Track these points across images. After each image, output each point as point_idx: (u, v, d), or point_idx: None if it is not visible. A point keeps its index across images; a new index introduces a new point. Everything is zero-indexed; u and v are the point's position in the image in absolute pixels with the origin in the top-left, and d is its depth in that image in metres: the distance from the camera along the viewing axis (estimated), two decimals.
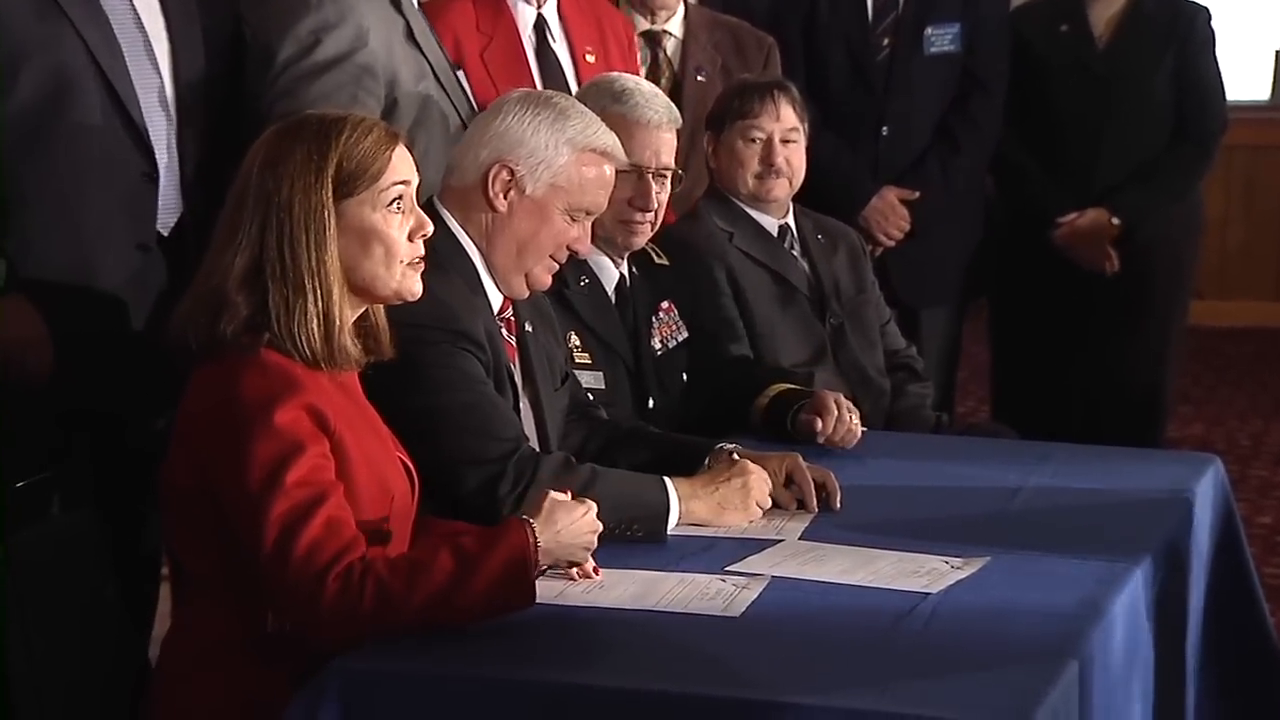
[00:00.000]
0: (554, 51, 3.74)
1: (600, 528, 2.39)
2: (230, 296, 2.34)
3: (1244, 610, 3.08)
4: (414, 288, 2.42)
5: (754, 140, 3.69)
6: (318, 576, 2.23)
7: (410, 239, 2.41)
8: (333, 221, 2.35)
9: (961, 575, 2.48)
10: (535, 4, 3.72)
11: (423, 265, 2.43)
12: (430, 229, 2.44)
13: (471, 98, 3.31)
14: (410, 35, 3.16)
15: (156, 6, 3.02)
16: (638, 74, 3.91)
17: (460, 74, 3.33)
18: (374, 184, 2.38)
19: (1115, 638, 2.40)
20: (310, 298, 2.34)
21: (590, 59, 3.76)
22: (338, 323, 2.36)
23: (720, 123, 3.73)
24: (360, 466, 2.36)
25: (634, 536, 2.61)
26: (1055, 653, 2.21)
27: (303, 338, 2.34)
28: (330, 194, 2.35)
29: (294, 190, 2.34)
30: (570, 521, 2.35)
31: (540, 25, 3.73)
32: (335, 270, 2.36)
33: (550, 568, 2.40)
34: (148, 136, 2.97)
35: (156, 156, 2.98)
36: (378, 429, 2.47)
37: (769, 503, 2.78)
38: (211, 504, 2.33)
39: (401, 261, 2.40)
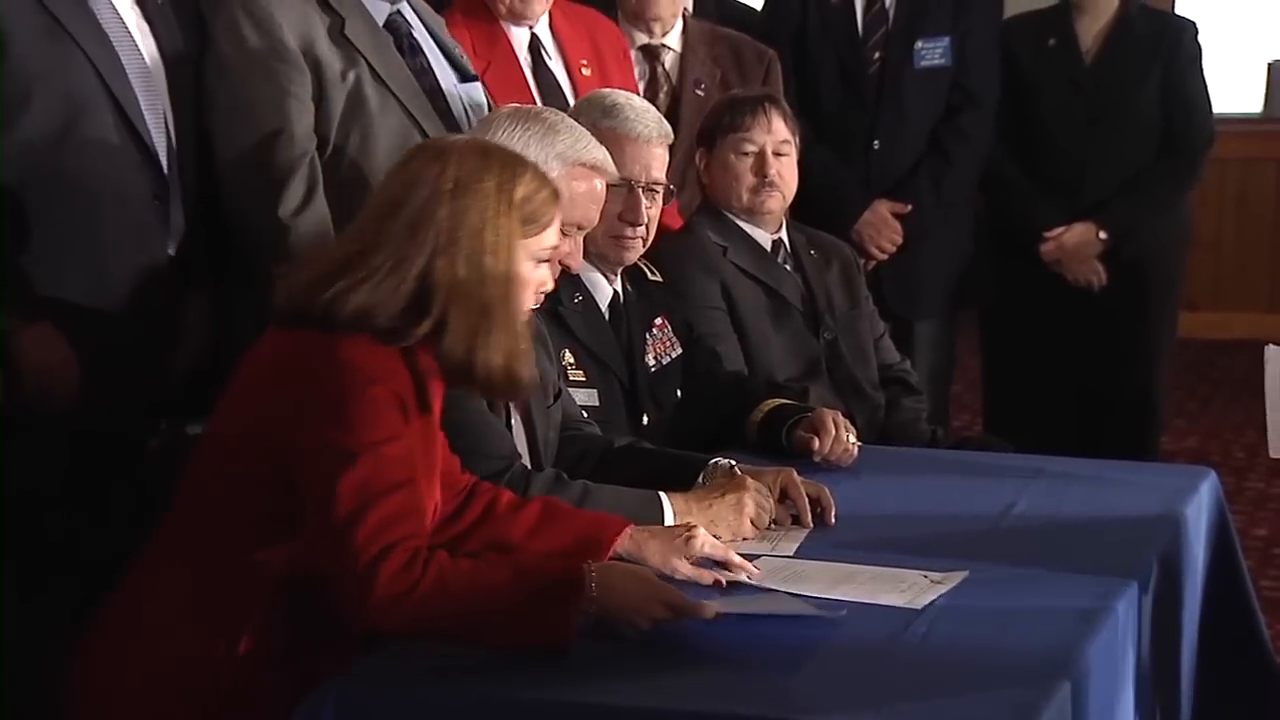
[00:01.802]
0: (550, 69, 3.74)
1: (673, 602, 2.31)
2: (408, 306, 2.32)
3: (1240, 623, 3.08)
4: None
5: (746, 153, 3.69)
6: (386, 550, 2.20)
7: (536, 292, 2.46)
8: (518, 253, 2.37)
9: (942, 589, 2.47)
10: (527, 24, 3.72)
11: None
12: (550, 287, 2.48)
13: (469, 106, 3.30)
14: (341, 32, 3.16)
15: (146, 27, 3.02)
16: (634, 83, 3.92)
17: (461, 86, 3.33)
18: (539, 235, 2.41)
19: (1111, 652, 2.40)
20: (498, 325, 2.34)
21: (586, 72, 3.77)
22: (521, 351, 2.37)
23: (711, 137, 3.73)
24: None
25: None
26: (1051, 669, 2.20)
27: (482, 364, 2.34)
28: (516, 227, 2.37)
29: (485, 217, 2.35)
30: (639, 588, 2.30)
31: (535, 44, 3.74)
32: (519, 299, 2.38)
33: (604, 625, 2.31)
34: (158, 157, 2.97)
35: (166, 177, 2.99)
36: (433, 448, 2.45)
37: (765, 520, 2.77)
38: (266, 458, 2.30)
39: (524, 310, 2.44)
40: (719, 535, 2.70)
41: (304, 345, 2.33)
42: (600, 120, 3.17)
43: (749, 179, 3.69)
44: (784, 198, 3.73)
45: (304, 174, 3.05)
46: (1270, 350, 2.93)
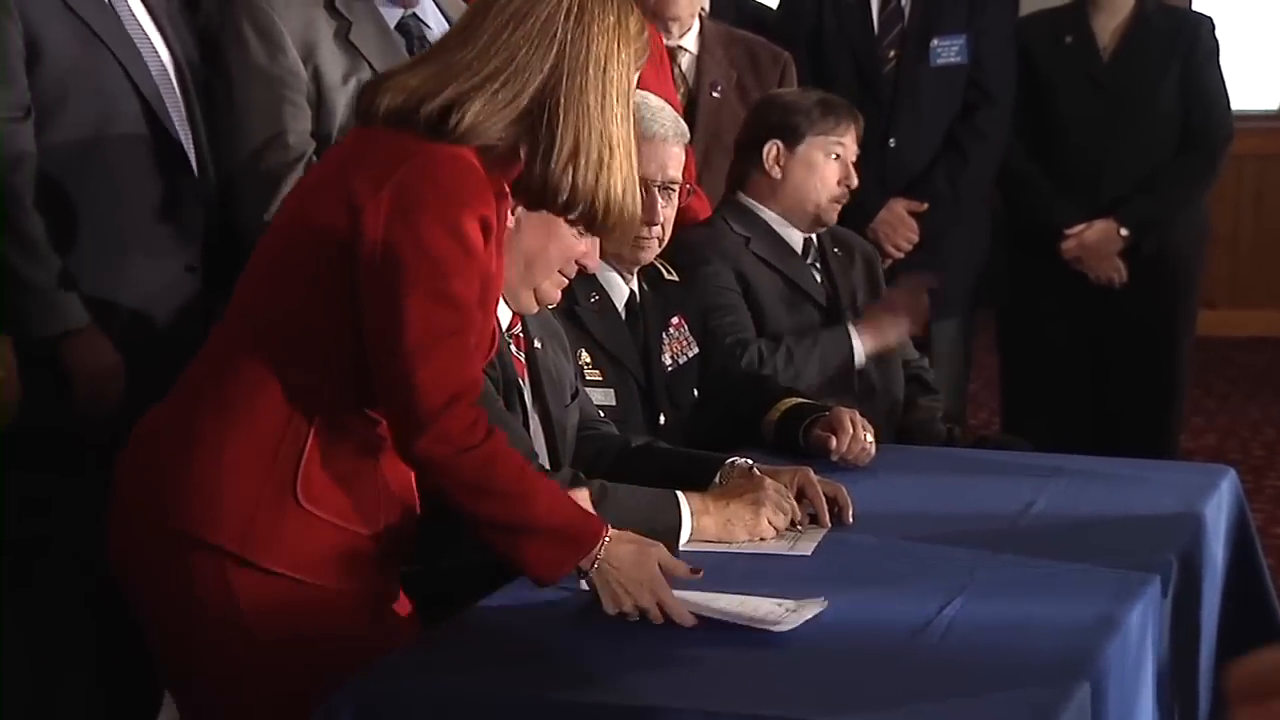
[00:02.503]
0: None
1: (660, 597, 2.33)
2: (517, 120, 2.31)
3: (1260, 621, 3.07)
4: None
5: (836, 156, 3.67)
6: (453, 400, 2.23)
7: None
8: (634, 88, 2.39)
9: (800, 618, 2.31)
10: None
11: None
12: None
13: None
14: (346, 36, 3.17)
15: (155, 30, 3.03)
16: (671, 87, 3.92)
17: None
18: (638, 74, 2.42)
19: (1130, 651, 2.39)
20: (621, 154, 2.35)
21: None
22: (636, 183, 2.38)
23: (794, 131, 3.67)
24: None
25: None
26: (1070, 668, 2.19)
27: (603, 193, 2.34)
28: (633, 62, 2.37)
29: (611, 49, 2.34)
30: (637, 572, 2.32)
31: None
32: (634, 133, 2.38)
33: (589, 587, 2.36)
34: (187, 156, 2.99)
35: (195, 175, 3.00)
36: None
37: (783, 520, 2.76)
38: (336, 246, 2.27)
39: None
40: (736, 535, 2.70)
41: (404, 145, 2.29)
42: None
43: (834, 187, 3.66)
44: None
45: (296, 178, 3.07)
46: None
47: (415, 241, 2.24)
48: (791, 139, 3.67)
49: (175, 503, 2.31)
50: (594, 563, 2.31)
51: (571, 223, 2.42)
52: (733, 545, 2.69)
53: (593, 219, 2.37)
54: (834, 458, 3.14)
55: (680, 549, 2.66)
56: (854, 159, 3.69)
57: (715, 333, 3.51)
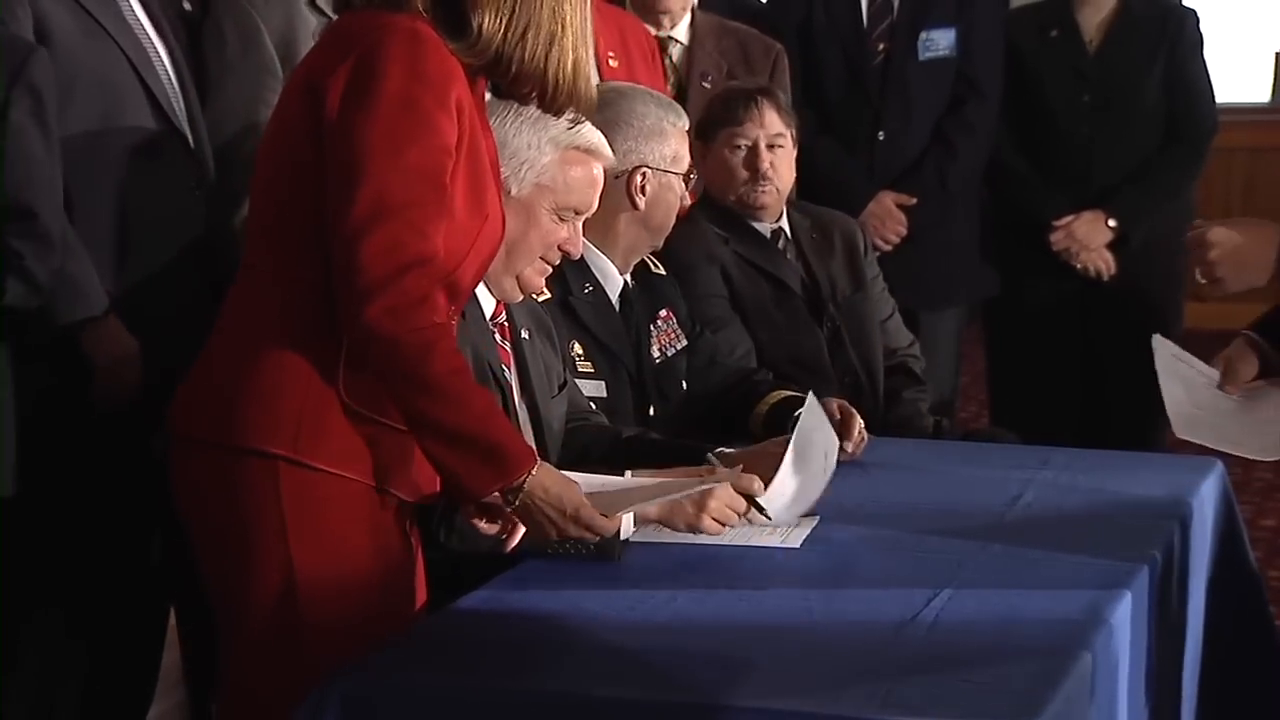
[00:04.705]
0: None
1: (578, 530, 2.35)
2: None
3: (1248, 613, 3.08)
4: None
5: (739, 148, 3.69)
6: (404, 267, 2.21)
7: None
8: None
9: (801, 535, 2.63)
10: None
11: None
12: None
13: None
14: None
15: (151, 25, 3.02)
16: (663, 84, 3.93)
17: None
18: None
19: (1116, 643, 2.39)
20: (572, 36, 2.37)
21: (613, 64, 3.78)
22: (588, 60, 2.40)
23: (706, 132, 3.72)
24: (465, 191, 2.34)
25: (584, 554, 2.56)
26: (1056, 659, 2.20)
27: (552, 76, 2.36)
28: None
29: None
30: (561, 497, 2.32)
31: None
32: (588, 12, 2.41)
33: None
34: (194, 147, 2.99)
35: (203, 167, 3.01)
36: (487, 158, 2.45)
37: (728, 521, 2.65)
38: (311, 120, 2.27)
39: None
40: (675, 524, 2.65)
41: (365, 22, 2.30)
42: (677, 121, 3.20)
43: (742, 174, 3.69)
44: (778, 191, 3.72)
45: None
46: (1156, 339, 2.97)
47: (369, 113, 2.24)
48: (706, 139, 3.72)
49: (232, 419, 2.31)
50: (519, 492, 2.29)
51: (522, 99, 2.42)
52: (722, 538, 2.67)
53: (543, 97, 2.39)
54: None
55: (663, 540, 2.65)
56: (771, 139, 3.68)
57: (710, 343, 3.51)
